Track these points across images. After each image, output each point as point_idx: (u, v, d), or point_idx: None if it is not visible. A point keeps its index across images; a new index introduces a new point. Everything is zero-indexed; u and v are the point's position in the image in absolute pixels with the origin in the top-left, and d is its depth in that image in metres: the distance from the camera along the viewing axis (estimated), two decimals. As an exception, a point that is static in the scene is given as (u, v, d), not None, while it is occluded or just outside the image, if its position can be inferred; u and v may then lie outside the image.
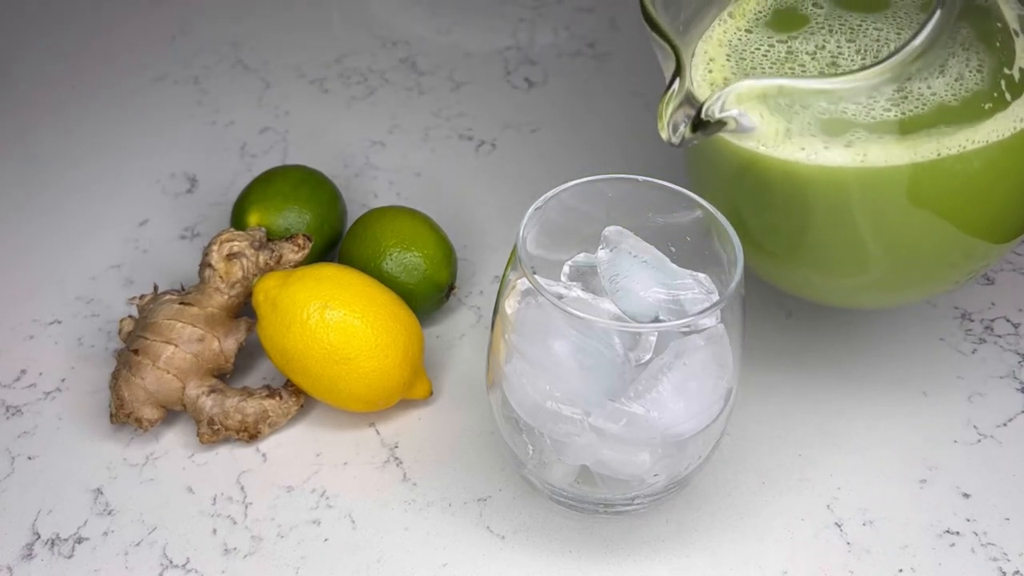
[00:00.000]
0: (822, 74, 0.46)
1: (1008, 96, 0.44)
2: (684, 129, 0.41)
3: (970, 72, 0.43)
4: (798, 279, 0.50)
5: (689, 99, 0.41)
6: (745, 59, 0.47)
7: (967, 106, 0.43)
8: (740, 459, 0.51)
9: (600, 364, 0.42)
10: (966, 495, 0.50)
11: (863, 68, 0.41)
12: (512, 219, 0.62)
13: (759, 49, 0.47)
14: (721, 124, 0.41)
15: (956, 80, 0.43)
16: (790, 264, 0.49)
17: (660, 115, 0.42)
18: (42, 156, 0.69)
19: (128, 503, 0.49)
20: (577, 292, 0.46)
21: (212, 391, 0.51)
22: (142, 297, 0.54)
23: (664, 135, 0.42)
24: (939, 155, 0.42)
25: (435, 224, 0.58)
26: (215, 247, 0.53)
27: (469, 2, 0.84)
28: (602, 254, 0.45)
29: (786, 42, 0.47)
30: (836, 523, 0.49)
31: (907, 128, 0.42)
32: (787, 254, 0.48)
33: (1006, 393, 0.55)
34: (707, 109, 0.40)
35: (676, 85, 0.42)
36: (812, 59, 0.46)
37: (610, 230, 0.46)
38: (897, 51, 0.41)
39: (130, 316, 0.54)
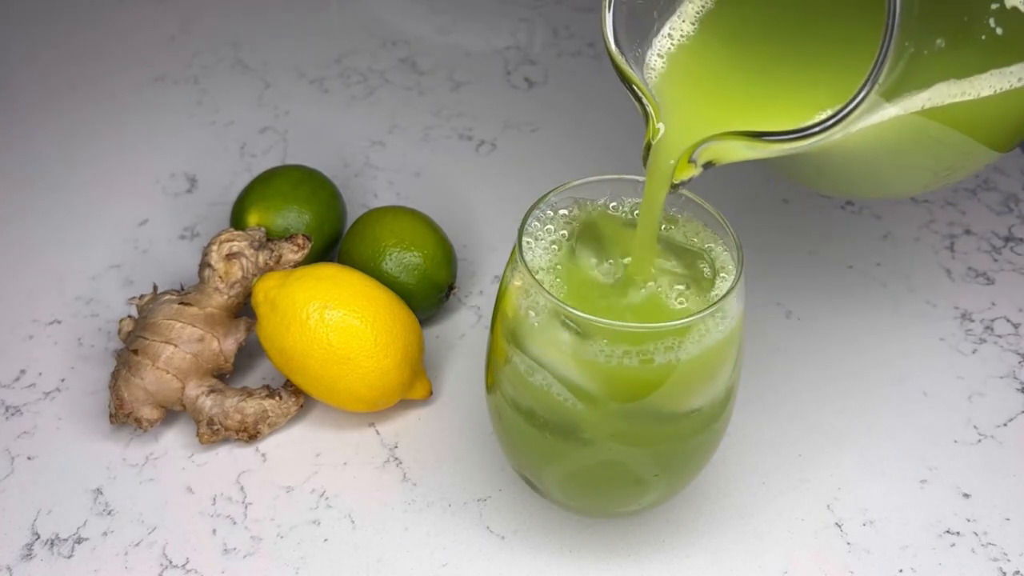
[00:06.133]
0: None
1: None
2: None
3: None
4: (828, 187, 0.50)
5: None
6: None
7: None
8: (740, 459, 0.51)
9: (600, 364, 0.41)
10: (966, 495, 0.50)
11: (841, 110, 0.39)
12: (512, 219, 0.62)
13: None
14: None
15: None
16: (830, 182, 0.48)
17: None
18: (42, 156, 0.69)
19: (128, 503, 0.49)
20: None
21: (212, 391, 0.51)
22: (142, 297, 0.54)
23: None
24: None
25: (435, 224, 0.58)
26: (215, 247, 0.53)
27: (469, 2, 0.84)
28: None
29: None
30: (836, 523, 0.49)
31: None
32: (829, 181, 0.48)
33: (1006, 393, 0.55)
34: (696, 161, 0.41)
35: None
36: None
37: None
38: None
39: (130, 316, 0.54)
